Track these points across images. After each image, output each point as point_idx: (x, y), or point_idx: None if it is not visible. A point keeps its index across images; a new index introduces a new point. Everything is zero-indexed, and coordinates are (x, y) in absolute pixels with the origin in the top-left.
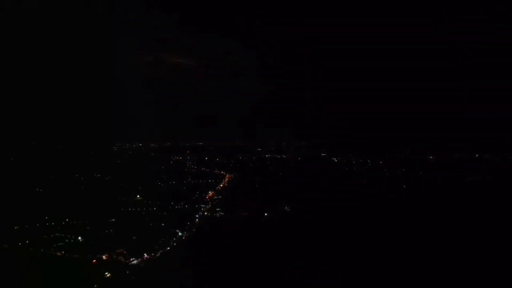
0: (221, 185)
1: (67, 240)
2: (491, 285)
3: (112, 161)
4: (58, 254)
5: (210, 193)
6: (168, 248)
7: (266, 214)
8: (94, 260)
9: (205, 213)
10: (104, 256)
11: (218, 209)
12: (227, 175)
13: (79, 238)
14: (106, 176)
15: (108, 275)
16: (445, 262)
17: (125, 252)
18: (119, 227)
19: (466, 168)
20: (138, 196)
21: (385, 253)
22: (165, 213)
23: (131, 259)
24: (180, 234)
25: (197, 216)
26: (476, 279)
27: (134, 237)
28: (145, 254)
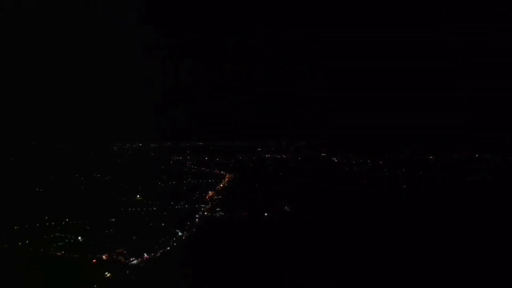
0: (221, 185)
1: (67, 240)
2: (491, 285)
3: (112, 161)
4: (58, 254)
5: (210, 193)
6: (168, 248)
7: (266, 214)
8: (94, 260)
9: (205, 213)
10: (104, 256)
11: (218, 209)
12: (227, 175)
13: (79, 238)
14: (106, 176)
15: (108, 275)
16: (445, 262)
17: (125, 252)
18: (119, 227)
19: (466, 168)
20: (138, 196)
21: (385, 253)
22: (165, 213)
23: (131, 259)
24: (180, 234)
25: (197, 216)
26: (476, 279)
27: (134, 237)
28: (145, 254)
